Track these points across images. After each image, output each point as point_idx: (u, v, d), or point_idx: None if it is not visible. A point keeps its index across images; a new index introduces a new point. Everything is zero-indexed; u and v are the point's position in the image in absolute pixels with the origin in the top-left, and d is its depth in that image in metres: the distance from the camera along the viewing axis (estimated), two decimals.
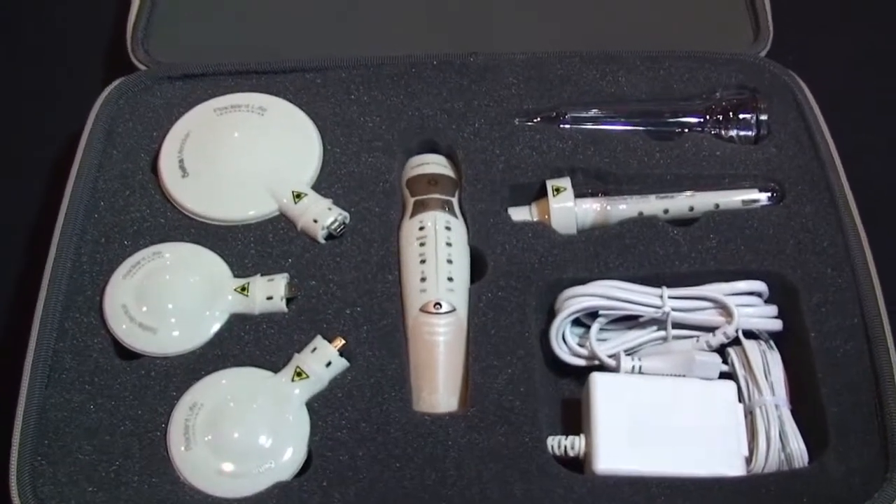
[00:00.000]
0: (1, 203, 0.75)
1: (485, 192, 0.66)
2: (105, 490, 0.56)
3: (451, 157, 0.68)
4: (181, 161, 0.66)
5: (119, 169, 0.67)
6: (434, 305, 0.61)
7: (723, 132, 0.68)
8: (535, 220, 0.65)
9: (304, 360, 0.59)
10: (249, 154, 0.66)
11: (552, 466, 0.56)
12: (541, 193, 0.66)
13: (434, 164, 0.67)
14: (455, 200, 0.66)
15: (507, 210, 0.65)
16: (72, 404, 0.59)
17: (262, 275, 0.62)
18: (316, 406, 0.58)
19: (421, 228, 0.63)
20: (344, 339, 0.60)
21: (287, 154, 0.67)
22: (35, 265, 0.64)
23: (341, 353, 0.59)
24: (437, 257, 0.62)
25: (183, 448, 0.57)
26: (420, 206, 0.65)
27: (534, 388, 0.59)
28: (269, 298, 0.61)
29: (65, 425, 0.58)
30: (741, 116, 0.69)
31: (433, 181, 0.66)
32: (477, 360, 0.60)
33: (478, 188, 0.66)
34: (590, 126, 0.68)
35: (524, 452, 0.57)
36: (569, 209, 0.65)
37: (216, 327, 0.61)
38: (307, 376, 0.58)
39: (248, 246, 0.64)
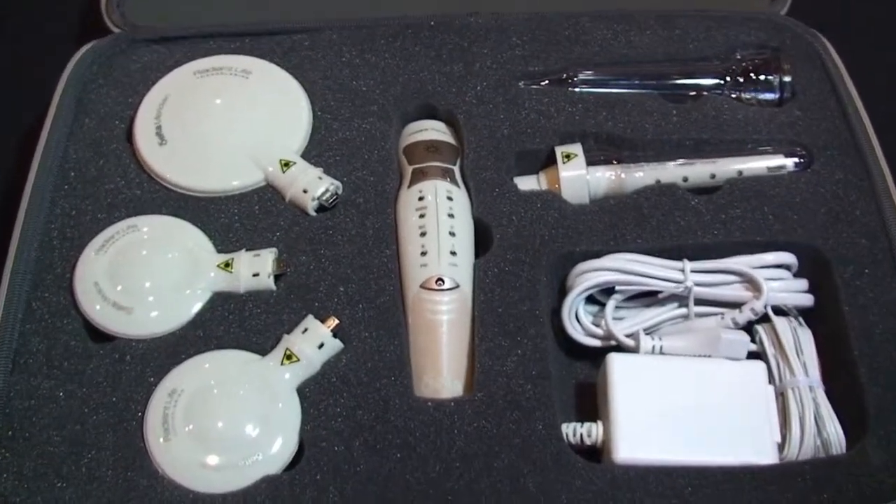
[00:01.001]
0: None
1: (489, 159, 0.60)
2: (75, 485, 0.50)
3: (451, 124, 0.63)
4: (158, 128, 0.61)
5: (91, 137, 0.61)
6: (436, 281, 0.55)
7: (743, 94, 0.63)
8: (543, 189, 0.60)
9: (294, 341, 0.53)
10: (233, 120, 0.61)
11: (568, 456, 0.51)
12: (549, 161, 0.61)
13: (433, 130, 0.62)
14: (456, 169, 0.60)
15: (513, 179, 0.60)
16: (39, 391, 0.53)
17: (247, 250, 0.57)
18: (308, 392, 0.53)
19: (420, 199, 0.58)
20: (338, 318, 0.54)
21: (274, 120, 0.61)
22: (0, 240, 0.58)
23: (335, 333, 0.54)
24: (438, 230, 0.56)
25: (161, 439, 0.51)
26: (419, 175, 0.59)
27: (546, 371, 0.53)
28: (256, 275, 0.56)
29: (31, 414, 0.52)
30: (763, 78, 0.63)
31: (433, 148, 0.60)
32: (483, 341, 0.54)
33: (481, 155, 0.60)
34: (601, 89, 0.63)
35: (537, 441, 0.51)
36: (580, 177, 0.59)
37: (198, 307, 0.55)
38: (298, 359, 0.53)
39: (232, 219, 0.58)
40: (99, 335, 0.55)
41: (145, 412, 0.52)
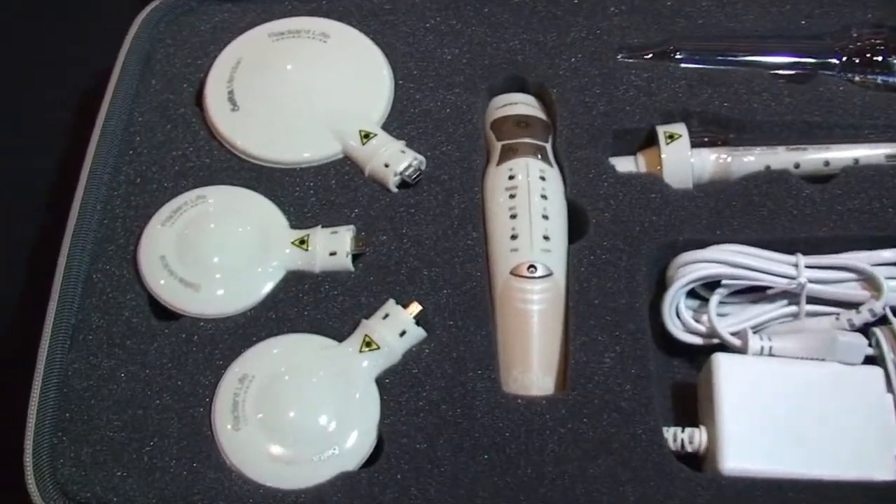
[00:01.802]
0: (26, 140, 0.65)
1: (584, 137, 0.55)
2: (136, 474, 0.46)
3: (542, 98, 0.58)
4: (231, 93, 0.56)
5: (158, 100, 0.57)
6: (527, 268, 0.50)
7: (858, 77, 0.57)
8: (643, 172, 0.55)
9: (373, 327, 0.49)
10: (310, 86, 0.56)
11: (672, 464, 0.46)
12: (648, 142, 0.56)
13: (523, 104, 0.57)
14: (549, 147, 0.55)
15: (609, 160, 0.55)
16: (99, 371, 0.49)
17: (323, 226, 0.52)
18: (388, 383, 0.48)
19: (511, 177, 0.53)
20: (420, 304, 0.50)
21: (353, 88, 0.56)
22: (60, 210, 0.54)
23: (417, 321, 0.49)
24: (530, 211, 0.52)
25: (230, 427, 0.47)
26: (509, 152, 0.54)
27: (647, 370, 0.48)
28: (333, 254, 0.51)
29: (90, 396, 0.48)
30: (881, 59, 0.57)
31: (524, 123, 0.55)
32: (578, 335, 0.49)
33: (575, 133, 0.55)
34: (705, 65, 0.57)
35: (638, 447, 0.46)
36: (684, 160, 0.54)
37: (270, 286, 0.51)
38: (377, 347, 0.48)
39: (308, 192, 0.54)
40: (164, 312, 0.51)
41: (213, 398, 0.48)
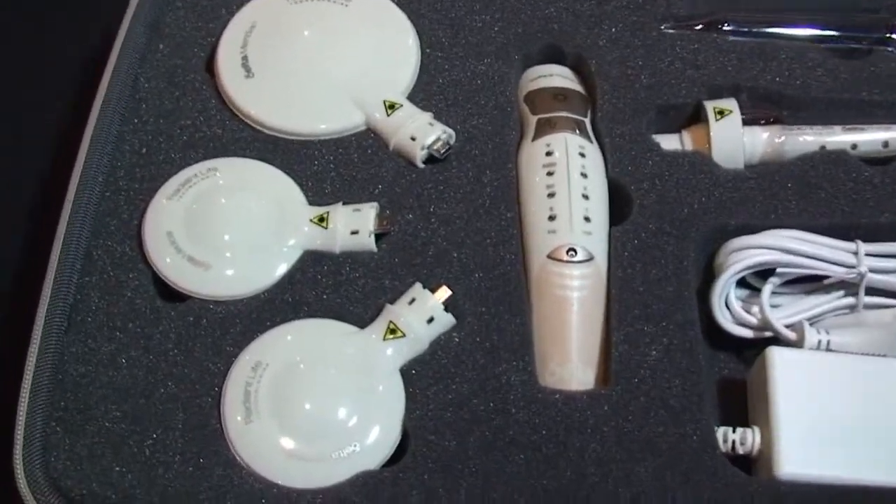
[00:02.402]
0: (24, 107, 0.60)
1: (626, 112, 0.50)
2: (137, 470, 0.42)
3: (580, 71, 0.53)
4: (245, 58, 0.51)
5: (166, 65, 0.52)
6: (567, 252, 0.46)
7: None
8: (690, 150, 0.50)
9: (398, 312, 0.44)
10: (330, 53, 0.51)
11: (725, 468, 0.42)
12: (694, 118, 0.51)
13: (559, 76, 0.52)
14: (587, 122, 0.50)
15: (653, 136, 0.50)
16: (98, 356, 0.44)
17: (344, 203, 0.47)
18: (414, 374, 0.44)
19: (548, 154, 0.48)
20: (450, 289, 0.45)
21: (377, 55, 0.52)
22: (59, 183, 0.49)
23: (446, 306, 0.45)
24: (570, 190, 0.47)
25: (241, 419, 0.42)
26: (546, 126, 0.49)
27: (697, 365, 0.44)
28: (355, 233, 0.46)
29: (88, 383, 0.43)
30: None
31: (561, 96, 0.51)
32: (622, 325, 0.45)
33: (617, 107, 0.50)
34: (755, 38, 0.53)
35: (688, 448, 0.42)
36: (735, 137, 0.49)
37: (286, 266, 0.46)
38: (403, 334, 0.44)
39: (328, 166, 0.49)
40: (170, 293, 0.46)
41: (223, 387, 0.43)
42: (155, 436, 0.42)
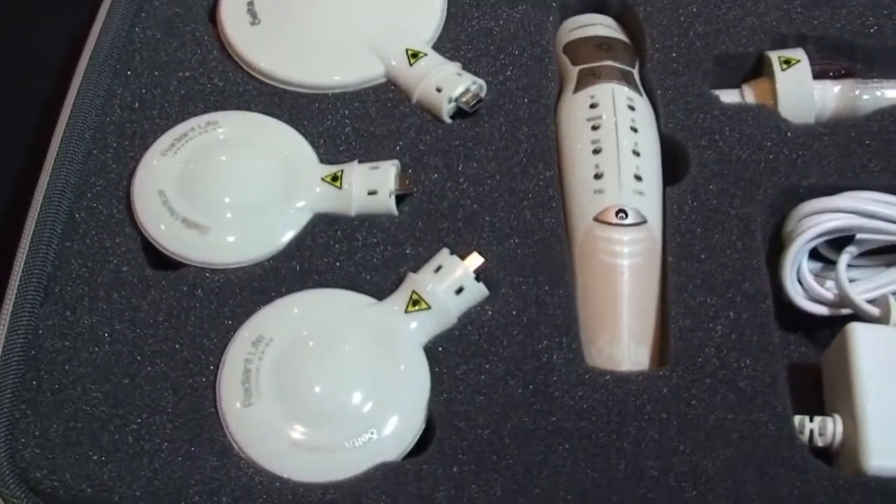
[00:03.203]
0: (9, 57, 0.54)
1: (680, 63, 0.44)
2: (118, 460, 0.35)
3: (625, 21, 0.47)
4: (251, 3, 0.45)
5: (164, 16, 0.46)
6: (616, 213, 0.39)
7: None
8: (753, 103, 0.43)
9: (423, 282, 0.38)
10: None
11: (807, 461, 0.35)
12: (755, 72, 0.45)
13: (603, 25, 0.46)
14: (636, 74, 0.44)
15: (710, 89, 0.44)
16: (77, 329, 0.38)
17: (360, 161, 0.41)
18: (440, 352, 0.37)
19: (593, 106, 0.42)
20: (482, 256, 0.39)
21: (399, 2, 0.45)
22: (42, 138, 0.43)
23: (478, 275, 0.38)
24: (618, 146, 0.41)
25: (240, 404, 0.36)
26: (589, 77, 0.43)
27: (771, 343, 0.37)
28: (372, 193, 0.40)
29: (65, 360, 0.37)
30: None
31: (605, 45, 0.44)
32: (681, 296, 0.38)
33: (670, 58, 0.44)
34: None
35: (762, 437, 0.35)
36: (806, 90, 0.43)
37: (293, 231, 0.40)
38: (428, 306, 0.37)
39: (342, 122, 0.43)
40: (161, 261, 0.40)
41: (220, 366, 0.37)
42: (140, 420, 0.36)
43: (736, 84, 0.45)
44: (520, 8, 0.46)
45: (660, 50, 0.44)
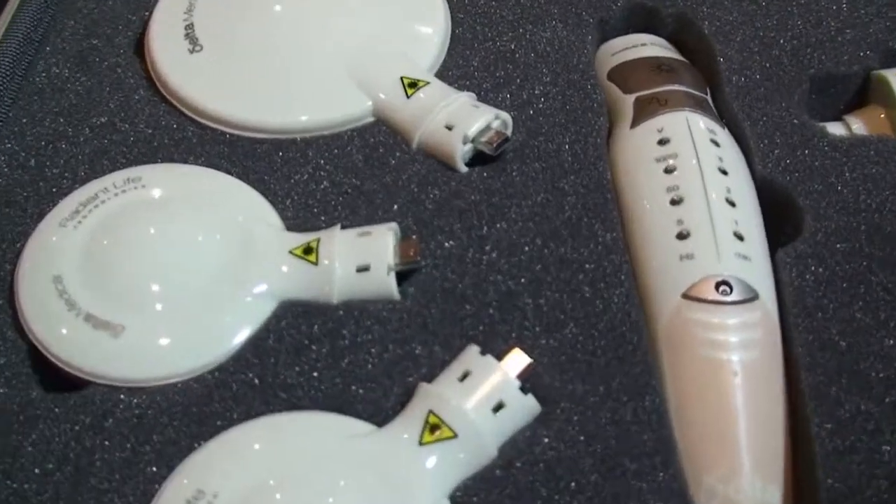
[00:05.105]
0: None
1: (767, 85, 0.32)
2: None
3: (683, 39, 0.35)
4: (189, 27, 0.33)
5: (76, 49, 0.34)
6: (717, 287, 0.27)
7: None
8: (871, 136, 0.32)
9: (444, 397, 0.25)
10: (317, 15, 0.33)
11: None
12: (862, 97, 0.33)
13: (655, 45, 0.34)
14: (710, 101, 0.32)
15: (808, 117, 0.32)
16: None
17: (344, 227, 0.29)
18: (475, 503, 0.24)
19: (663, 142, 0.30)
20: (528, 354, 0.26)
21: (387, 19, 0.33)
22: None
23: (524, 384, 0.25)
24: (706, 193, 0.28)
25: None
26: (652, 105, 0.31)
27: None
28: (363, 270, 0.27)
29: None
30: None
31: (666, 67, 0.33)
32: (823, 405, 0.25)
33: (754, 80, 0.32)
34: None
35: None
36: None
37: (250, 328, 0.27)
38: (453, 434, 0.24)
39: (317, 175, 0.30)
40: (56, 377, 0.27)
41: None
42: None
43: (834, 114, 0.33)
44: (548, 25, 0.34)
45: (739, 71, 0.32)
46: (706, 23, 0.34)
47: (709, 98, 0.32)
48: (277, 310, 0.27)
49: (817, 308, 0.27)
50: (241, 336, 0.27)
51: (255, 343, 0.27)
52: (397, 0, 0.34)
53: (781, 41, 0.33)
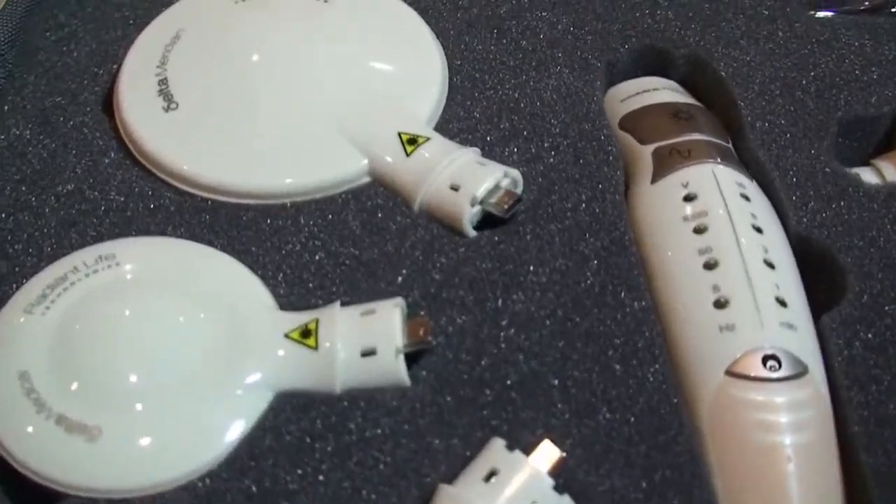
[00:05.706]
0: None
1: (794, 131, 0.30)
2: None
3: (695, 82, 0.32)
4: (163, 81, 0.30)
5: (37, 108, 0.31)
6: (764, 362, 0.24)
7: None
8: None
9: (466, 499, 0.22)
10: (305, 68, 0.30)
11: None
12: (886, 141, 0.31)
13: (668, 90, 0.32)
14: (732, 150, 0.30)
15: (839, 165, 0.29)
16: None
17: (344, 304, 0.26)
18: None
19: (689, 198, 0.27)
20: (559, 447, 0.23)
21: (380, 70, 0.30)
22: None
23: (556, 479, 0.22)
24: (742, 255, 0.26)
25: None
26: (674, 157, 0.28)
27: None
28: (369, 354, 0.24)
29: None
30: None
31: (684, 114, 0.30)
32: (885, 490, 0.23)
33: (779, 124, 0.30)
34: None
35: None
36: None
37: (244, 424, 0.24)
38: None
39: (310, 245, 0.27)
40: (28, 490, 0.23)
41: None
42: None
43: (861, 158, 0.31)
44: (552, 71, 0.31)
45: (762, 116, 0.30)
46: (721, 64, 0.32)
47: (731, 147, 0.30)
48: (273, 402, 0.24)
49: (871, 380, 0.24)
50: (234, 435, 0.24)
51: (250, 443, 0.23)
52: (388, 46, 0.31)
53: (804, 82, 0.31)
